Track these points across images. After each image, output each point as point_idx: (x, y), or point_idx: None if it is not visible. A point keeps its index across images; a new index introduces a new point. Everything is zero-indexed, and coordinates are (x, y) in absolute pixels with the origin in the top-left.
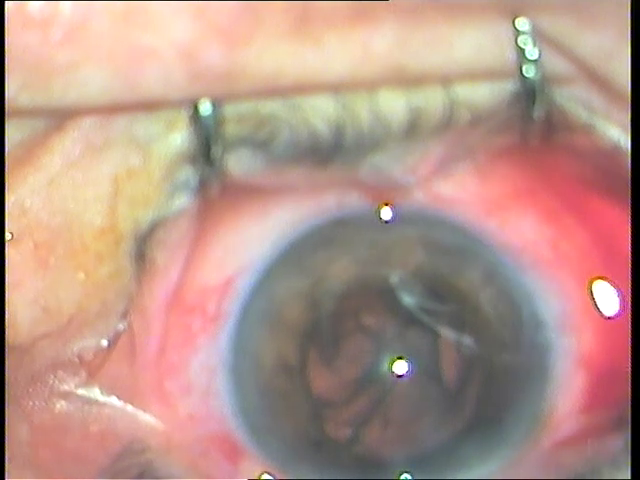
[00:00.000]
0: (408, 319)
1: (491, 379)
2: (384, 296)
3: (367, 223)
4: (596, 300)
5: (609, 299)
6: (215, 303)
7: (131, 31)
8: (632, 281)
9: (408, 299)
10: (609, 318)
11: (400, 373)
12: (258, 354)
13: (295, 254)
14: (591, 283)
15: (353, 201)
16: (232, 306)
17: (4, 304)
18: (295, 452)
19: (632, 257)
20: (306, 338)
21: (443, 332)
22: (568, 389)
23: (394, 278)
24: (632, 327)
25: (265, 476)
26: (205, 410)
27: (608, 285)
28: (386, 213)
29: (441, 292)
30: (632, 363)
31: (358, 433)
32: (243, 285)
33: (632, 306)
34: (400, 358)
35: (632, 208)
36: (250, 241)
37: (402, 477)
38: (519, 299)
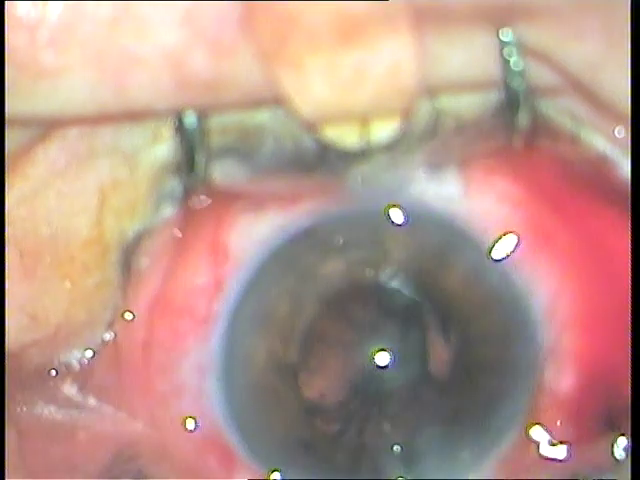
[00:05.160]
0: (398, 316)
1: (477, 375)
2: (373, 295)
3: (354, 223)
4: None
5: None
6: (205, 304)
7: (119, 37)
8: (632, 281)
9: (397, 297)
10: None
11: (390, 370)
12: (249, 355)
13: (285, 255)
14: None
15: (338, 205)
16: (222, 307)
17: (4, 310)
18: (287, 452)
19: (632, 258)
20: (297, 338)
21: (430, 329)
22: (555, 386)
23: (382, 276)
24: (632, 328)
25: (275, 475)
26: (196, 412)
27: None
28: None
29: (428, 290)
30: (632, 364)
31: (350, 433)
32: (233, 286)
33: (632, 306)
34: (389, 354)
35: (632, 215)
36: (240, 242)
37: None
38: (505, 297)
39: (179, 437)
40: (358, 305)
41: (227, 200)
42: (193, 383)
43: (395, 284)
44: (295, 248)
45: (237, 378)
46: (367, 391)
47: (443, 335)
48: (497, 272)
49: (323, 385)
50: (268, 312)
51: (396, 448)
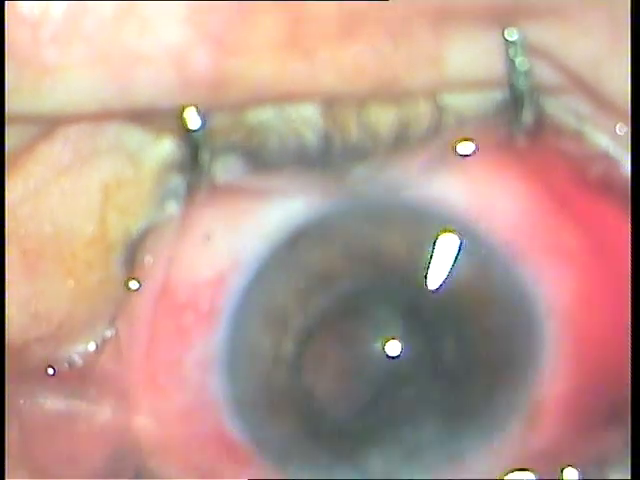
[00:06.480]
0: (402, 312)
1: (479, 366)
2: (378, 290)
3: (357, 219)
4: None
5: None
6: (208, 299)
7: (122, 35)
8: (632, 281)
9: (401, 292)
10: None
11: (394, 363)
12: (253, 349)
13: (288, 250)
14: None
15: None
16: (226, 302)
17: (4, 305)
18: (290, 447)
19: (632, 258)
20: (301, 333)
21: (434, 323)
22: (556, 378)
23: (386, 271)
24: (632, 328)
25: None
26: (200, 406)
27: None
28: None
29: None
30: (632, 364)
31: (353, 427)
32: (236, 281)
33: (632, 306)
34: (394, 347)
35: (632, 213)
36: (243, 237)
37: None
38: (509, 292)
39: (183, 431)
40: (362, 300)
41: (230, 197)
42: (196, 377)
43: (399, 280)
44: (298, 243)
45: (241, 372)
46: (371, 384)
47: (447, 329)
48: (501, 267)
49: (327, 380)
50: (272, 307)
51: (400, 439)
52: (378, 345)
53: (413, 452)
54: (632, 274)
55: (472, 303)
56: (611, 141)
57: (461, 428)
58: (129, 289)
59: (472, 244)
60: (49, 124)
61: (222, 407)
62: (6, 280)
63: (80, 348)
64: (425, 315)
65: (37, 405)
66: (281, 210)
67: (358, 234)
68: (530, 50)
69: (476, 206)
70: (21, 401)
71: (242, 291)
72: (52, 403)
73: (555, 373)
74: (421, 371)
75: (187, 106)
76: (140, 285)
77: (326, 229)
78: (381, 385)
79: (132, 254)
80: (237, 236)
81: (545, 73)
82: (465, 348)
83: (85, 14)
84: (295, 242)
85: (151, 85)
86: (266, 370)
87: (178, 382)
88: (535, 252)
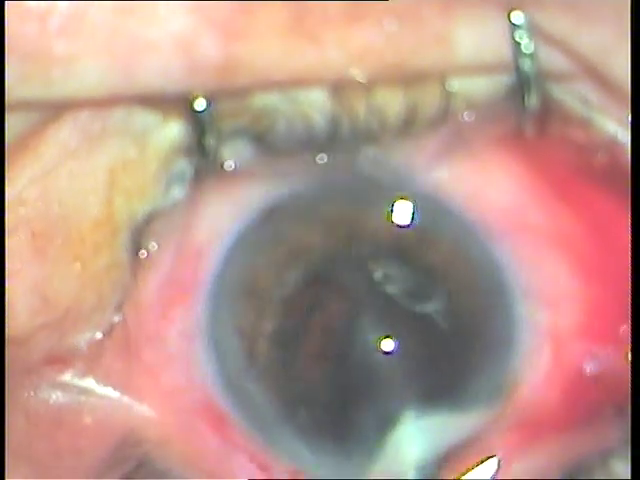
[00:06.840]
0: (379, 290)
1: (456, 349)
2: (357, 266)
3: (341, 196)
4: None
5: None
6: (190, 273)
7: (129, 23)
8: (632, 281)
9: (379, 269)
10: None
11: (376, 342)
12: (236, 321)
13: (269, 224)
14: None
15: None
16: (206, 275)
17: (4, 302)
18: (277, 418)
19: (632, 257)
20: (282, 305)
21: (412, 302)
22: (534, 363)
23: (366, 250)
24: (632, 327)
25: None
26: (186, 380)
27: None
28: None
29: (412, 263)
30: (632, 364)
31: (337, 397)
32: (216, 254)
33: (632, 306)
34: (379, 330)
35: (632, 207)
36: (222, 210)
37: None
38: (495, 273)
39: (172, 406)
40: (342, 275)
41: (237, 181)
42: (182, 353)
43: (377, 257)
44: (279, 218)
45: (225, 345)
46: (353, 358)
47: (424, 308)
48: (498, 256)
49: (310, 352)
50: (252, 280)
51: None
52: (358, 320)
53: (390, 427)
54: (632, 261)
55: (460, 285)
56: (619, 128)
57: (439, 406)
58: (139, 257)
59: (468, 232)
60: (58, 109)
61: (208, 380)
62: (15, 264)
63: (87, 336)
64: (401, 293)
65: (41, 398)
66: (264, 185)
67: (339, 209)
68: (538, 35)
69: (476, 195)
70: (25, 394)
71: (222, 264)
72: (56, 396)
73: (531, 356)
74: (398, 351)
75: (194, 90)
76: (148, 254)
77: (306, 205)
78: (360, 358)
79: (138, 238)
80: (217, 208)
81: (553, 59)
82: (441, 328)
83: (91, 5)
84: (274, 216)
85: (158, 72)
86: (249, 343)
87: (165, 358)
88: (535, 241)
